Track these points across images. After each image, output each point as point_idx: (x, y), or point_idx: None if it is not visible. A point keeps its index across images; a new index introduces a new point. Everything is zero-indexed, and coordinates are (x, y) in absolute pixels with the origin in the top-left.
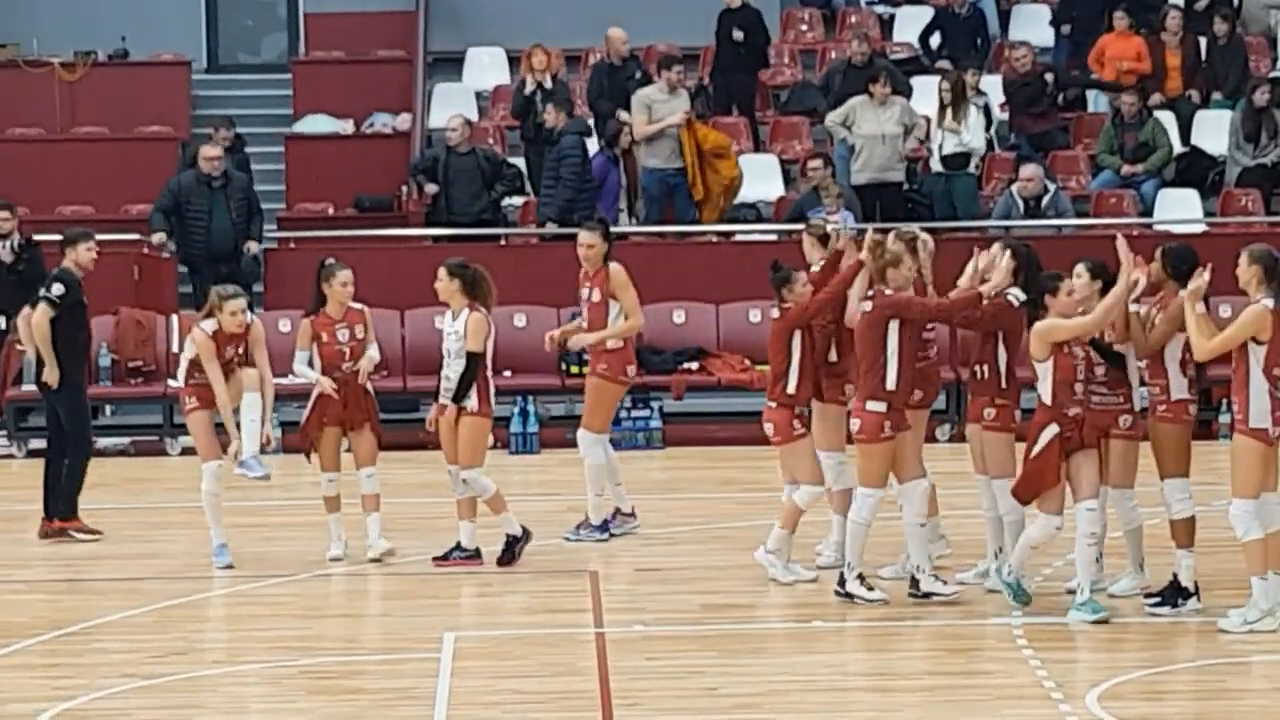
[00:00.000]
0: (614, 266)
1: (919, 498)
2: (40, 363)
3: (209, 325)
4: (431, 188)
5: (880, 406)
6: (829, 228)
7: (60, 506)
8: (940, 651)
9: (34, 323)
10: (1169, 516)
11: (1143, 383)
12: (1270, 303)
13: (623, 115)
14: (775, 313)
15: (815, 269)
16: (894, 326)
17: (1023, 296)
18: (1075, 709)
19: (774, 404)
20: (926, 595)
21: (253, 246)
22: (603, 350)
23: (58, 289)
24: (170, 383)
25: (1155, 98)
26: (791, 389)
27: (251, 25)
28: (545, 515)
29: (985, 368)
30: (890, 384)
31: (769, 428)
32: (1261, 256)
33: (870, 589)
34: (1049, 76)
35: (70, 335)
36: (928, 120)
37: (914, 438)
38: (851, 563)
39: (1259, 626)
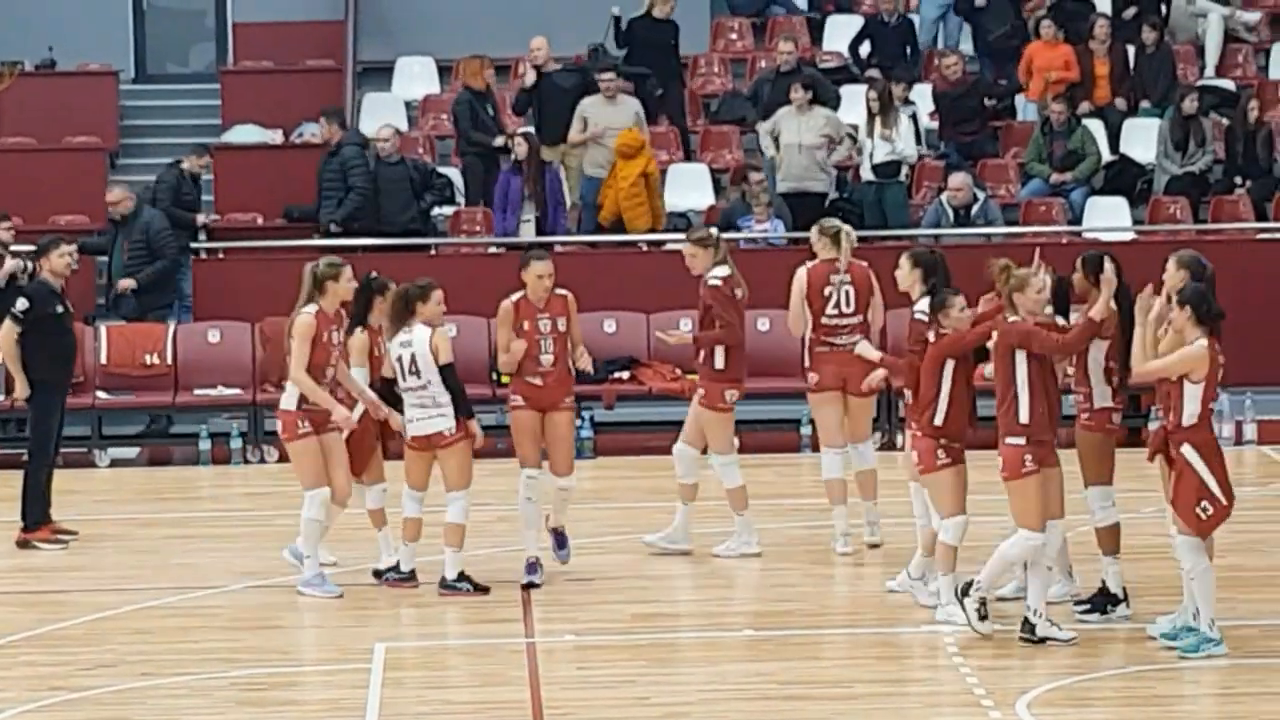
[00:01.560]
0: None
1: (1055, 538)
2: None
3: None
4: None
5: (1019, 440)
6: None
7: (27, 517)
8: (871, 659)
9: (4, 340)
10: (1094, 524)
11: (1068, 391)
12: (1204, 342)
13: (522, 129)
14: (932, 336)
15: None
16: (1021, 358)
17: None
18: (1005, 716)
19: (919, 433)
20: (1041, 640)
21: (124, 284)
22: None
23: (21, 304)
24: (100, 395)
25: (1084, 106)
26: (939, 420)
27: (180, 35)
28: (477, 526)
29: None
30: (1023, 418)
31: (913, 455)
32: (1189, 262)
33: (1060, 628)
34: (974, 88)
35: (41, 347)
36: (856, 129)
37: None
38: (1038, 609)
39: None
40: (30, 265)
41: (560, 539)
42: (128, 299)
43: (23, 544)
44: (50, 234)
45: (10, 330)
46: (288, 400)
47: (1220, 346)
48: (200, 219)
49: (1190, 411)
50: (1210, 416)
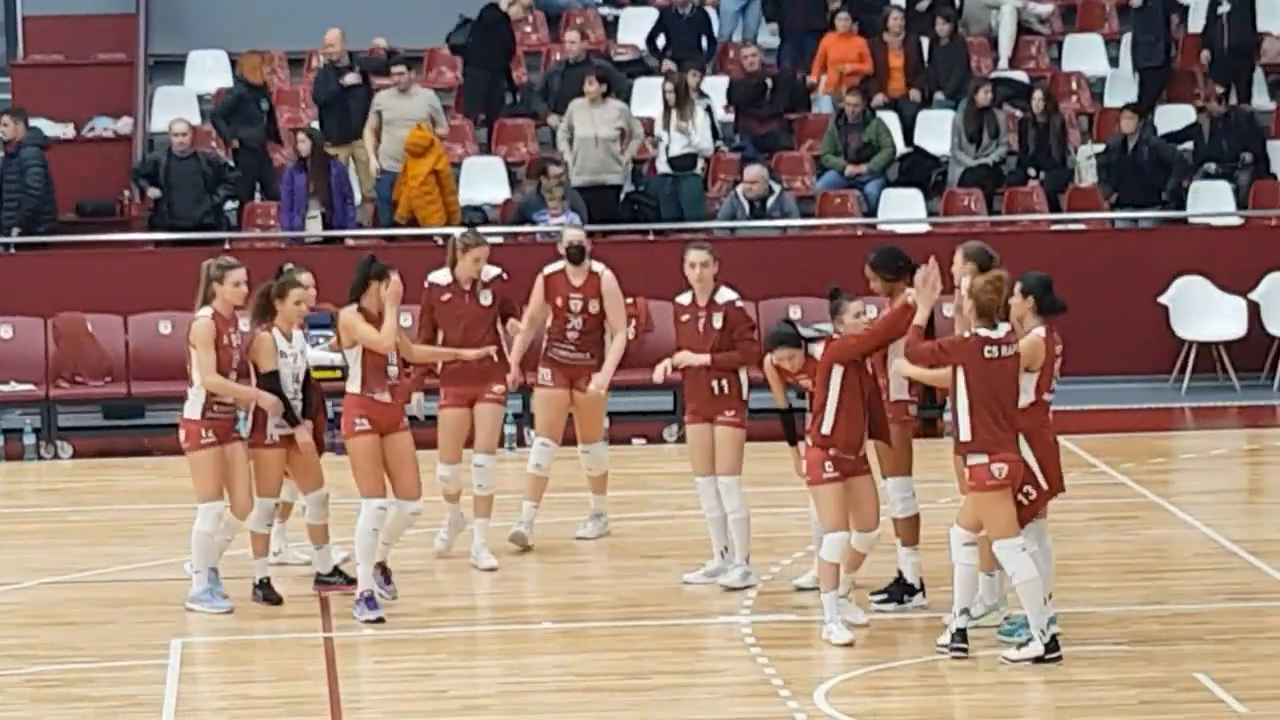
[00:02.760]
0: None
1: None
2: None
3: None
4: (154, 192)
5: (819, 449)
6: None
7: None
8: (667, 650)
9: None
10: (893, 515)
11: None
12: (1041, 332)
13: (304, 126)
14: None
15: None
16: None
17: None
18: (803, 706)
19: (809, 442)
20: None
21: None
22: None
23: None
24: None
25: (878, 99)
26: (826, 429)
27: None
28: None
29: (725, 380)
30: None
31: (802, 465)
32: (975, 254)
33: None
34: (769, 80)
35: None
36: (651, 122)
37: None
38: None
39: (984, 621)
40: None
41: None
42: None
43: None
44: None
45: None
46: (191, 409)
47: (1058, 337)
48: None
49: (1024, 400)
50: (1046, 405)
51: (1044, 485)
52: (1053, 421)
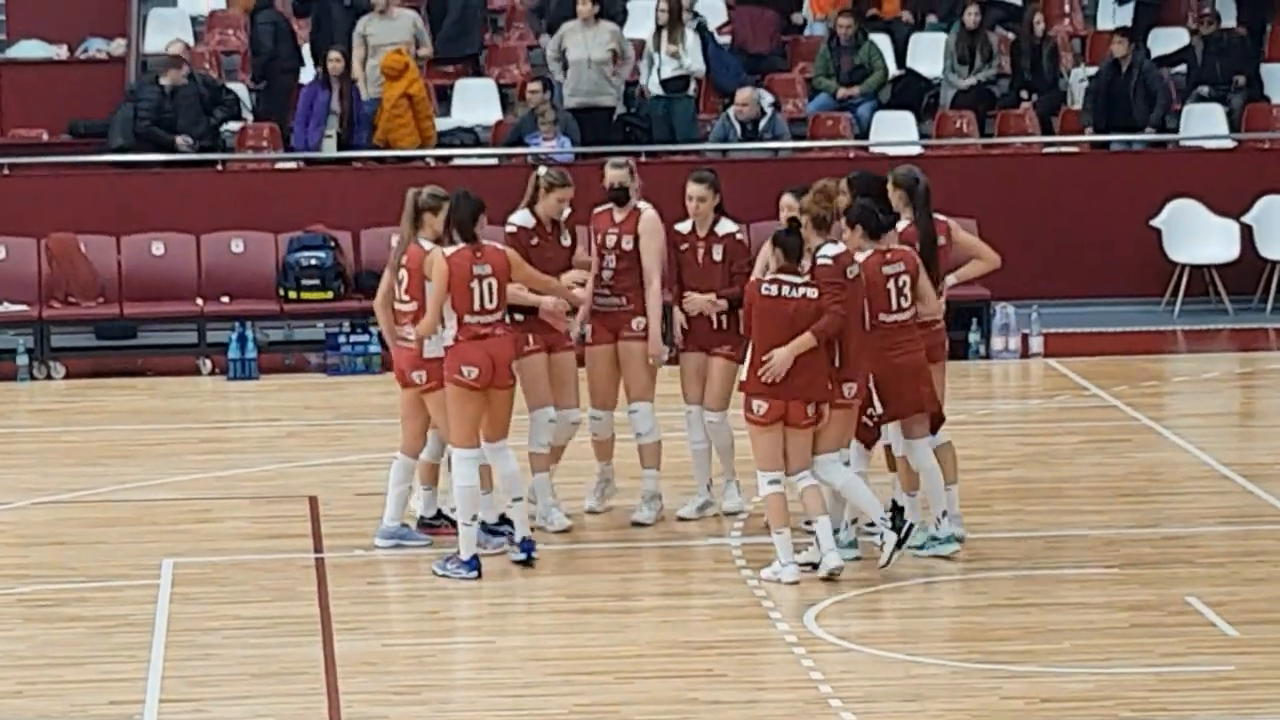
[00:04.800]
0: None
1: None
2: None
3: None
4: (185, 140)
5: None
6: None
7: None
8: (658, 572)
9: None
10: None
11: None
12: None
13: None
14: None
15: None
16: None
17: None
18: (793, 628)
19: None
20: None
21: None
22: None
23: None
24: None
25: (871, 21)
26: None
27: None
28: (265, 441)
29: (725, 315)
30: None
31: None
32: (904, 179)
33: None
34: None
35: None
36: (642, 44)
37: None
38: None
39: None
40: None
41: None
42: None
43: None
44: None
45: None
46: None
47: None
48: None
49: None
50: (891, 327)
51: (878, 409)
52: (913, 342)
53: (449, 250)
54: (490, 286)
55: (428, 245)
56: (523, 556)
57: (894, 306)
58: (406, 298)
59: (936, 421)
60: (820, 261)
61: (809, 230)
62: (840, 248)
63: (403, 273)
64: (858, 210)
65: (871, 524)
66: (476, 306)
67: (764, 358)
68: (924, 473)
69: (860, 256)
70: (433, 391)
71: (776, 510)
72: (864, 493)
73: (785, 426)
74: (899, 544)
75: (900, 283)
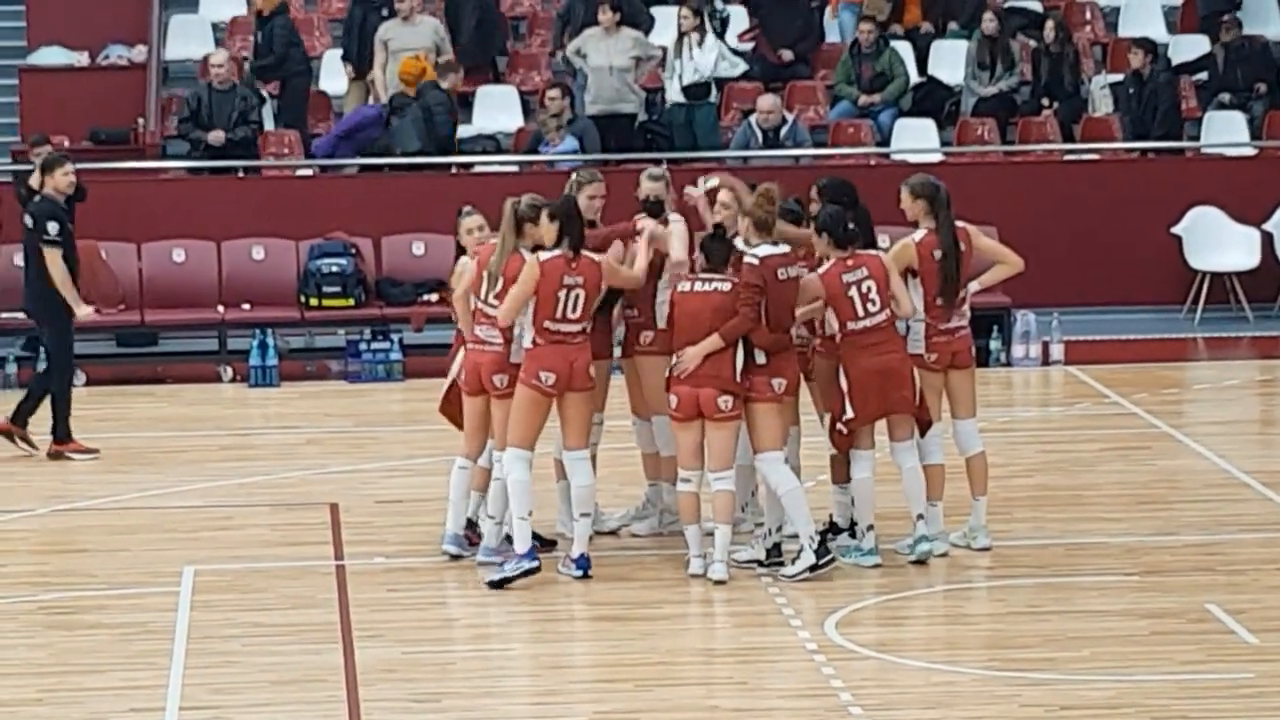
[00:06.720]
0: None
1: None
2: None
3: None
4: (216, 136)
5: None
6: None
7: (57, 430)
8: (678, 580)
9: (51, 267)
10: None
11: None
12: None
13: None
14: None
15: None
16: None
17: None
18: (814, 635)
19: None
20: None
21: None
22: None
23: (53, 227)
24: None
25: (892, 28)
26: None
27: None
28: (286, 448)
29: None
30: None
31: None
32: (923, 188)
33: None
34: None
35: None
36: (665, 51)
37: None
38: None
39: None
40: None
41: None
42: None
43: (55, 455)
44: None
45: (54, 256)
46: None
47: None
48: None
49: (829, 331)
50: (860, 333)
51: (850, 413)
52: (885, 345)
53: (544, 255)
54: (577, 298)
55: (528, 255)
56: (579, 573)
57: (860, 313)
58: (495, 302)
59: (924, 425)
60: (746, 261)
61: (750, 232)
62: (778, 250)
63: (499, 280)
64: (825, 217)
65: (794, 536)
66: (558, 314)
67: (678, 353)
68: (904, 472)
69: (826, 265)
70: (508, 397)
71: (684, 509)
72: (802, 507)
73: (705, 421)
74: (813, 568)
75: (864, 289)
